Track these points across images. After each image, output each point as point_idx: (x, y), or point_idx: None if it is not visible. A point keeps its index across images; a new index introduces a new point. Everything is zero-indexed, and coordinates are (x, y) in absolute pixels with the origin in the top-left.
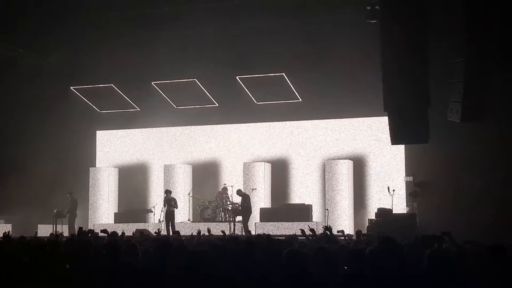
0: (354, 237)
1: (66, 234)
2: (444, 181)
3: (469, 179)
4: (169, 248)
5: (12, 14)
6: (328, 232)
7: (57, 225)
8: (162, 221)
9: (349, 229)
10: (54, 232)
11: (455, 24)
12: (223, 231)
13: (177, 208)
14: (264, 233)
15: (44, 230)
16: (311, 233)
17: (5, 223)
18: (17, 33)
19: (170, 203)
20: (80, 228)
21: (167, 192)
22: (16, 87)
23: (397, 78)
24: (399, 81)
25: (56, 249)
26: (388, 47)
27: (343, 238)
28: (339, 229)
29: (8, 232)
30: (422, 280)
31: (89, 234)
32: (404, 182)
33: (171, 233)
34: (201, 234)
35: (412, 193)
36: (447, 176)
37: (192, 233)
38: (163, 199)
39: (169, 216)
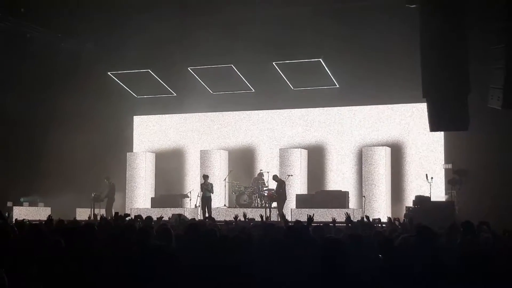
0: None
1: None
2: (484, 169)
3: (510, 166)
4: (196, 232)
5: None
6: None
7: (95, 209)
8: (199, 206)
9: (386, 216)
10: (92, 216)
11: (495, 9)
12: (261, 215)
13: (212, 193)
14: (308, 215)
15: (82, 214)
16: (348, 218)
17: (44, 206)
18: (55, 19)
19: (207, 188)
20: (116, 213)
21: (204, 177)
22: (54, 73)
23: (437, 64)
24: (438, 67)
25: (92, 232)
26: (428, 32)
27: (379, 225)
28: (375, 217)
29: (50, 216)
30: (454, 269)
31: (126, 218)
32: (443, 169)
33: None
34: (237, 219)
35: (451, 181)
36: (487, 163)
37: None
38: (200, 184)
39: (205, 201)
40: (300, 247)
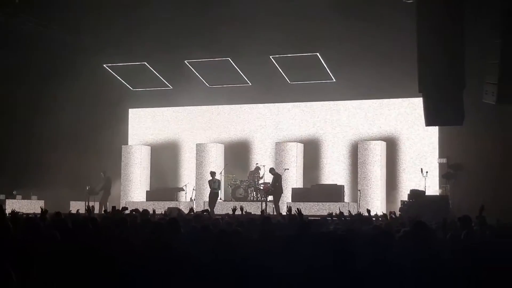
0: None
1: (97, 211)
2: (478, 164)
3: (504, 161)
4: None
5: None
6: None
7: (90, 202)
8: (194, 199)
9: (381, 210)
10: (86, 208)
11: (492, 5)
12: (262, 211)
13: (219, 189)
14: (297, 209)
15: (76, 207)
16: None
17: (38, 199)
18: (50, 10)
19: (214, 184)
20: (113, 207)
21: (212, 173)
22: (49, 65)
23: (433, 59)
24: (434, 62)
25: (93, 225)
26: (424, 28)
27: (375, 219)
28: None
29: (44, 208)
30: (445, 263)
31: (124, 212)
32: (438, 164)
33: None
34: (235, 211)
35: (446, 175)
36: (481, 158)
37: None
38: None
39: (212, 197)
40: (302, 243)
